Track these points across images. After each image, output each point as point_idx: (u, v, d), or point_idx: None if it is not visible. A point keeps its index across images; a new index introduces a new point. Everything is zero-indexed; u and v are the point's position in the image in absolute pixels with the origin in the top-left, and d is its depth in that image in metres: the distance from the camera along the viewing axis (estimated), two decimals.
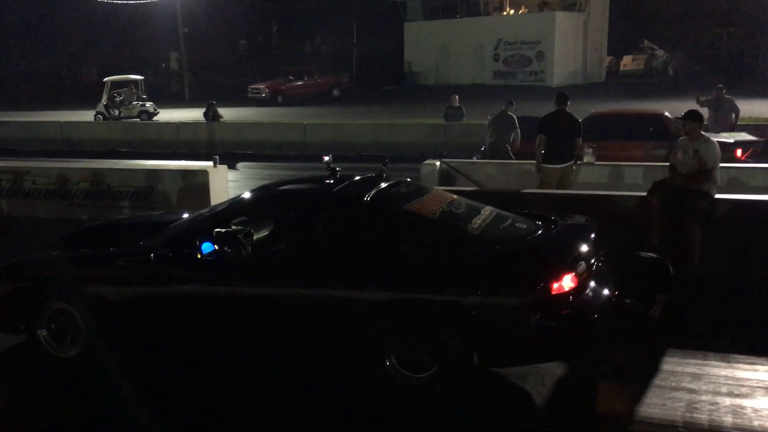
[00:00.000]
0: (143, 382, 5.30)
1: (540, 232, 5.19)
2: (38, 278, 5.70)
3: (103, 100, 29.57)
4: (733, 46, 37.60)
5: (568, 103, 9.65)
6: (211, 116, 22.32)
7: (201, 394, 5.17)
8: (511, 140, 12.49)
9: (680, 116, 7.55)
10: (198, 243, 5.27)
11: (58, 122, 23.90)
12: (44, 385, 5.44)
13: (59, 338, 5.61)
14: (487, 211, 5.46)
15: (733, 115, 14.37)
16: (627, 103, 22.60)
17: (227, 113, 24.68)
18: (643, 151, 11.40)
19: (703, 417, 4.53)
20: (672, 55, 39.11)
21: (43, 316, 5.61)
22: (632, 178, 10.15)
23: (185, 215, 6.27)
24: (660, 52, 39.91)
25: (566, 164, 9.57)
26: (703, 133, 7.41)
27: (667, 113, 12.61)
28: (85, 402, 5.12)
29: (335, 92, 37.13)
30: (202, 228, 5.43)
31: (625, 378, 5.19)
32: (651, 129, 11.95)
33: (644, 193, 7.49)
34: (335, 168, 5.69)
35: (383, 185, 5.50)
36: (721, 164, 7.53)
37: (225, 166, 10.89)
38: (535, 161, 9.65)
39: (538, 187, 9.26)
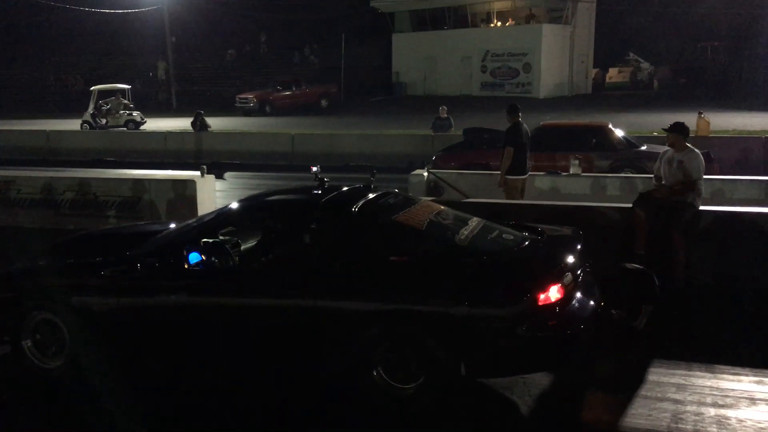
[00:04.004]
0: (129, 393, 5.27)
1: (527, 243, 5.22)
2: (22, 288, 5.65)
3: (90, 109, 29.44)
4: (717, 60, 38.00)
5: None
6: (199, 126, 22.29)
7: (188, 405, 5.14)
8: None
9: (665, 128, 7.63)
10: (185, 253, 5.27)
11: (44, 131, 23.75)
12: (28, 396, 5.39)
13: (44, 349, 5.56)
14: (475, 222, 5.49)
15: None
16: (611, 116, 22.79)
17: (215, 123, 24.64)
18: (587, 162, 11.62)
19: (688, 428, 4.56)
20: (657, 68, 39.48)
21: (28, 326, 5.55)
22: (614, 189, 10.26)
23: (172, 225, 6.25)
24: (645, 65, 40.23)
25: (527, 175, 9.80)
26: (687, 144, 7.49)
27: (610, 125, 12.85)
28: (69, 413, 5.08)
29: (323, 102, 37.13)
30: (189, 238, 5.42)
31: (610, 388, 5.21)
32: (594, 141, 12.27)
33: (629, 205, 7.55)
34: (323, 178, 5.71)
35: (371, 196, 5.52)
36: (706, 176, 7.61)
37: (212, 176, 10.87)
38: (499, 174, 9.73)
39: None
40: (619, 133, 12.77)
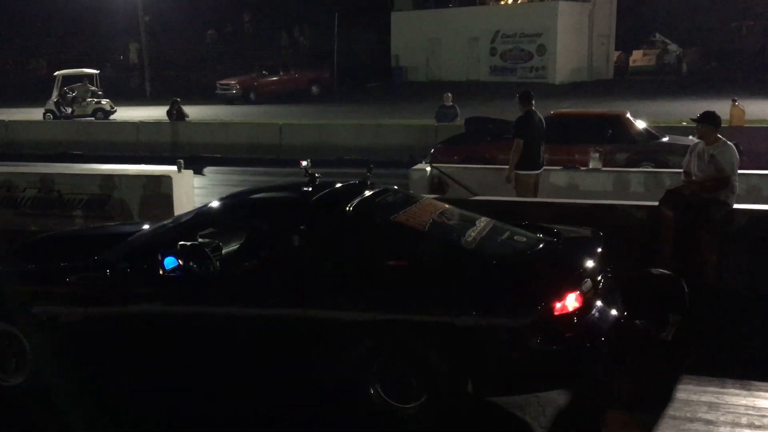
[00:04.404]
0: (99, 411, 5.27)
1: (541, 246, 5.23)
2: None
3: (54, 97, 29.41)
4: (753, 41, 38.02)
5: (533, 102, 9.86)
6: (176, 115, 22.29)
7: (163, 425, 5.14)
8: None
9: (694, 118, 7.63)
10: (160, 257, 5.26)
11: (3, 121, 23.74)
12: None
13: (3, 364, 5.54)
14: (483, 222, 5.50)
15: None
16: (635, 103, 22.84)
17: (193, 112, 24.65)
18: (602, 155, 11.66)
19: None
20: (686, 50, 39.50)
21: None
22: (638, 185, 10.28)
23: (146, 226, 6.25)
24: (673, 47, 40.23)
25: (541, 170, 9.79)
26: (719, 136, 7.49)
27: (628, 114, 12.89)
28: None
29: (314, 89, 37.15)
30: (164, 241, 5.41)
31: (634, 408, 5.22)
32: (610, 132, 12.36)
33: (655, 203, 7.56)
34: (314, 174, 5.70)
35: (367, 193, 5.53)
36: (740, 171, 7.62)
37: (191, 171, 10.87)
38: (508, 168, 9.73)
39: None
40: (637, 123, 12.82)
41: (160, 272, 5.24)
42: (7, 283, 5.63)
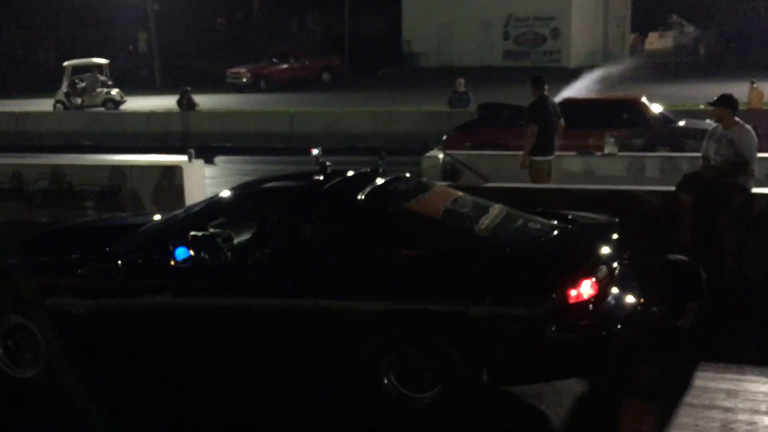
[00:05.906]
0: (111, 405, 5.31)
1: (556, 233, 5.23)
2: None
3: (64, 87, 29.48)
4: None
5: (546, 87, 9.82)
6: (186, 104, 22.35)
7: (176, 418, 5.18)
8: None
9: (711, 101, 7.58)
10: (171, 248, 5.30)
11: (13, 112, 23.90)
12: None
13: (17, 357, 5.60)
14: (497, 209, 5.49)
15: None
16: (651, 86, 22.65)
17: (203, 101, 24.69)
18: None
19: None
20: (703, 32, 39.12)
21: None
22: (654, 170, 10.22)
23: (157, 217, 6.29)
24: (690, 29, 39.86)
25: (554, 155, 9.77)
26: (737, 120, 7.43)
27: (644, 99, 12.81)
28: (46, 426, 5.13)
29: (325, 76, 37.08)
30: (175, 231, 5.45)
31: (652, 396, 5.19)
32: (625, 116, 12.33)
33: (672, 188, 7.52)
34: (325, 162, 5.71)
35: (379, 181, 5.54)
36: (759, 154, 7.56)
37: (202, 161, 10.92)
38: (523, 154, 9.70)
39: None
40: (653, 107, 12.77)
41: (172, 263, 5.28)
42: (20, 276, 5.67)
